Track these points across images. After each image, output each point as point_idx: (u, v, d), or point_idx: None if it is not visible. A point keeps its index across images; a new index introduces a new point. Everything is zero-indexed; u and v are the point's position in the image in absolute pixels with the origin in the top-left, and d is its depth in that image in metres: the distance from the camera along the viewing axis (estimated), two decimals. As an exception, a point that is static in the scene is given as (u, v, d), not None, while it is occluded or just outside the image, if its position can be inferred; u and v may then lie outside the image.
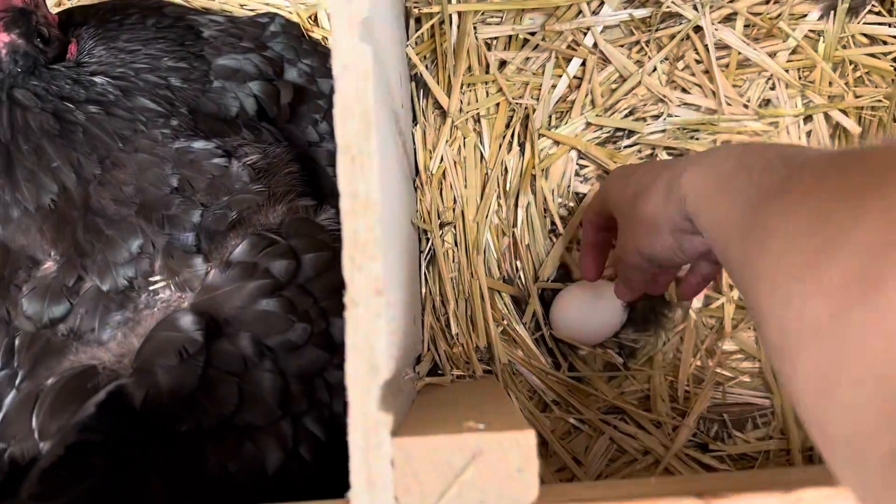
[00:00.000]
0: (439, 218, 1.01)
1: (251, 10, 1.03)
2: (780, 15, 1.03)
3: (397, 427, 0.48)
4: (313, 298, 0.75)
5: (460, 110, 1.04)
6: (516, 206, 1.05)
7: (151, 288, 0.76)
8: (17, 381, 0.74)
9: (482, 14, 1.05)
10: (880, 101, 1.00)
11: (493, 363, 0.98)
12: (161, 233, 0.76)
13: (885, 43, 1.01)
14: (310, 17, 1.02)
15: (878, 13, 1.02)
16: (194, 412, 0.65)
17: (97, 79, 0.81)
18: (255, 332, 0.70)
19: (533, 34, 1.05)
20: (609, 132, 1.07)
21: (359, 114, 0.47)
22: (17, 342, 0.76)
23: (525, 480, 0.46)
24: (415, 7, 1.04)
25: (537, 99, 1.05)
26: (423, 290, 0.98)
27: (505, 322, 1.02)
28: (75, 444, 0.58)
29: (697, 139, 1.06)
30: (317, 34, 1.02)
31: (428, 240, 1.00)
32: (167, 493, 0.60)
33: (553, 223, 1.05)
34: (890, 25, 1.00)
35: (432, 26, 1.04)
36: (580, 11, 1.05)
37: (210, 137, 0.82)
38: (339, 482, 0.47)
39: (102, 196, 0.77)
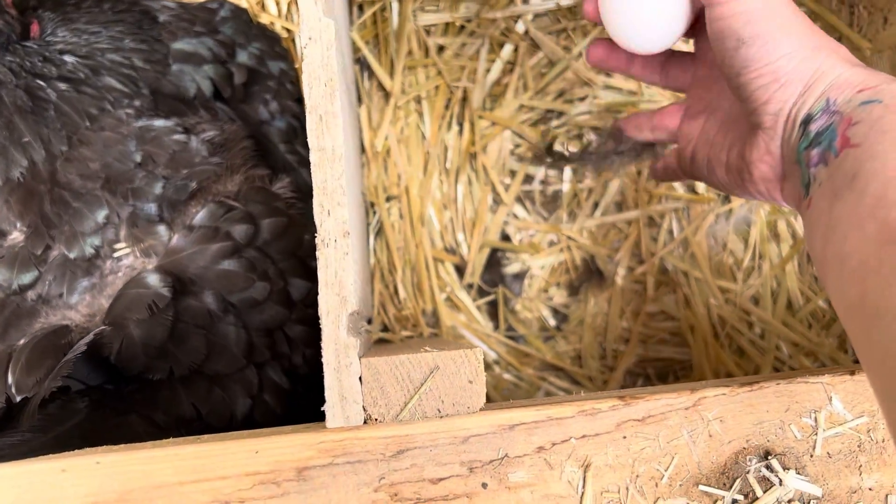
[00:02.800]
0: (385, 192, 1.08)
1: (200, -4, 1.07)
2: (690, 6, 1.13)
3: (364, 352, 0.55)
4: (271, 260, 0.81)
5: (402, 92, 1.11)
6: (457, 181, 1.13)
7: (116, 255, 0.81)
8: (-12, 345, 0.78)
9: (421, 2, 1.13)
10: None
11: (439, 326, 1.06)
12: (125, 204, 0.81)
13: (781, 31, 1.13)
14: (257, 2, 1.07)
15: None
16: (166, 361, 0.70)
17: (67, 57, 0.85)
18: (219, 289, 0.76)
19: (469, 21, 1.13)
20: (540, 113, 1.16)
21: (324, 79, 0.54)
22: (-16, 316, 0.79)
23: (475, 390, 0.53)
24: (358, -5, 1.11)
25: (474, 82, 1.13)
26: (372, 261, 1.05)
27: (448, 289, 1.10)
28: (59, 389, 0.62)
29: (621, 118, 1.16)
30: (264, 19, 1.07)
31: (375, 213, 1.07)
32: (147, 429, 0.65)
33: (496, 193, 1.13)
34: None
35: (374, 13, 1.10)
36: (512, 0, 1.14)
37: (170, 116, 0.87)
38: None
39: (69, 171, 0.81)
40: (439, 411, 0.53)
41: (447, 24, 1.14)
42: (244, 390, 0.74)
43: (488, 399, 1.06)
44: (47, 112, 0.82)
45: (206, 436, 0.54)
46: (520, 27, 1.13)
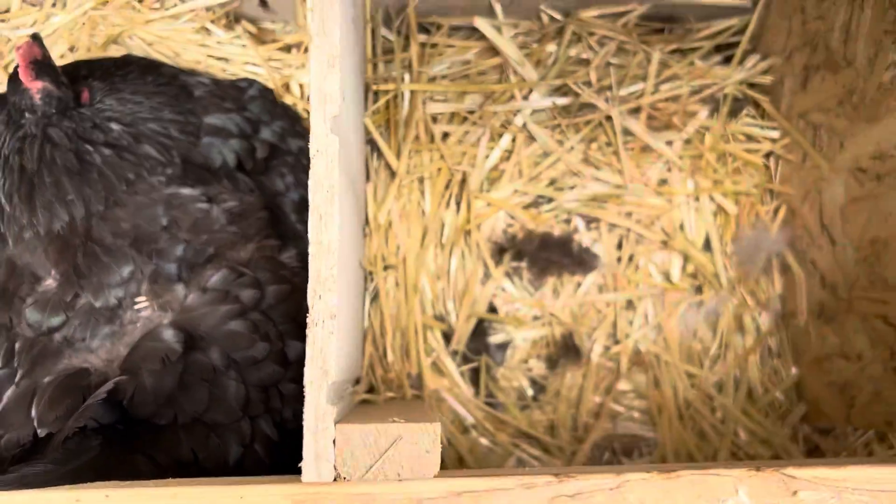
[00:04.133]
0: (384, 262, 1.19)
1: (232, 73, 1.20)
2: (676, 111, 1.25)
3: (340, 419, 0.65)
4: (273, 322, 0.90)
5: (407, 172, 1.22)
6: (451, 255, 1.23)
7: (136, 307, 0.91)
8: (17, 379, 0.88)
9: (430, 93, 1.25)
10: (753, 188, 1.23)
11: (423, 389, 1.15)
12: (149, 262, 0.91)
13: (758, 142, 1.24)
14: (283, 84, 1.20)
15: (754, 117, 1.25)
16: (172, 409, 0.80)
17: (113, 125, 0.97)
18: (225, 347, 0.86)
19: (472, 112, 1.25)
20: (533, 198, 1.27)
21: (326, 186, 0.65)
22: (17, 346, 0.89)
23: (431, 459, 0.62)
24: (374, 83, 1.23)
25: (473, 166, 1.25)
26: (366, 324, 1.15)
27: (435, 354, 1.20)
28: (81, 428, 0.72)
29: (606, 208, 1.27)
30: (288, 100, 1.19)
31: (373, 280, 1.17)
32: (150, 469, 0.74)
33: (486, 267, 1.23)
34: (762, 127, 1.23)
35: (388, 101, 1.22)
36: (513, 96, 1.26)
37: (196, 185, 0.98)
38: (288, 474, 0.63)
39: (103, 228, 0.92)
40: (399, 475, 0.62)
41: (452, 114, 1.26)
42: (238, 439, 0.83)
43: (462, 461, 1.15)
44: (91, 174, 0.94)
45: (202, 479, 0.63)
46: (518, 121, 1.25)
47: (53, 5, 1.16)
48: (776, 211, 1.20)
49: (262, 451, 0.85)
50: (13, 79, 0.95)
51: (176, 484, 0.63)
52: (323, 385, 0.62)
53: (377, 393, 1.10)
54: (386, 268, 1.18)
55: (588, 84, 1.25)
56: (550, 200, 1.27)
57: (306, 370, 0.63)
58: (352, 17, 0.85)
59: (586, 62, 1.26)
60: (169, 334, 0.84)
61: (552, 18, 1.26)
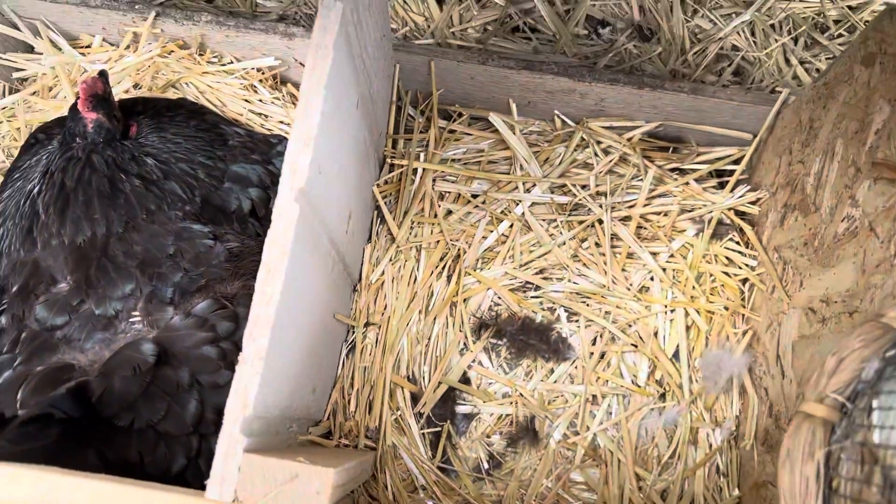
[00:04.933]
0: (367, 318, 1.29)
1: (268, 129, 1.34)
2: (664, 226, 1.32)
3: (254, 449, 0.74)
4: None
5: (407, 240, 1.33)
6: (435, 322, 1.32)
7: (130, 320, 1.03)
8: (15, 364, 1.00)
9: (441, 173, 1.36)
10: (725, 308, 1.28)
11: (379, 443, 1.23)
12: (149, 284, 1.04)
13: (737, 266, 1.29)
14: (310, 145, 1.33)
15: (737, 242, 1.31)
16: (131, 413, 0.91)
17: (148, 159, 1.11)
18: (193, 368, 0.96)
19: (477, 196, 1.35)
20: (521, 283, 1.35)
21: (279, 245, 0.76)
22: (23, 336, 1.03)
23: (320, 500, 0.71)
24: (391, 156, 1.35)
25: (470, 245, 1.34)
26: (339, 372, 1.24)
27: (399, 412, 1.27)
28: (43, 414, 0.83)
29: (588, 305, 1.33)
30: (312, 159, 1.32)
31: (353, 334, 1.27)
32: (97, 465, 0.85)
33: (466, 339, 1.32)
34: (743, 254, 1.29)
35: (401, 173, 1.34)
36: (517, 187, 1.35)
37: (207, 223, 1.11)
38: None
39: (117, 248, 1.06)
40: (288, 508, 0.70)
41: (459, 195, 1.36)
42: (184, 452, 0.93)
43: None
44: (119, 199, 1.08)
45: (123, 479, 0.73)
46: (518, 210, 1.34)
47: (127, 48, 1.33)
48: (744, 334, 1.25)
49: (205, 467, 0.94)
50: (74, 107, 1.11)
51: (105, 480, 0.73)
52: (239, 417, 0.72)
53: (332, 438, 1.19)
54: (367, 324, 1.28)
55: (586, 187, 1.34)
56: (537, 288, 1.34)
57: (228, 401, 0.72)
58: (354, 102, 0.97)
59: (589, 167, 1.35)
60: (147, 347, 0.95)
61: (564, 123, 1.36)
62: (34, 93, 1.34)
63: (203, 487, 0.86)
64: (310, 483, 0.70)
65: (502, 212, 1.35)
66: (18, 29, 1.33)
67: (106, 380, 0.91)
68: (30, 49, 1.37)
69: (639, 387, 1.30)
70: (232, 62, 1.35)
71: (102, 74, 1.13)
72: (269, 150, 1.27)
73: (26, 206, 1.10)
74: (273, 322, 0.74)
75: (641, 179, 1.34)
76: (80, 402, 0.89)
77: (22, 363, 1.00)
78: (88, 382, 0.89)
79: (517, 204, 1.35)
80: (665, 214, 1.33)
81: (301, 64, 1.33)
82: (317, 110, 0.78)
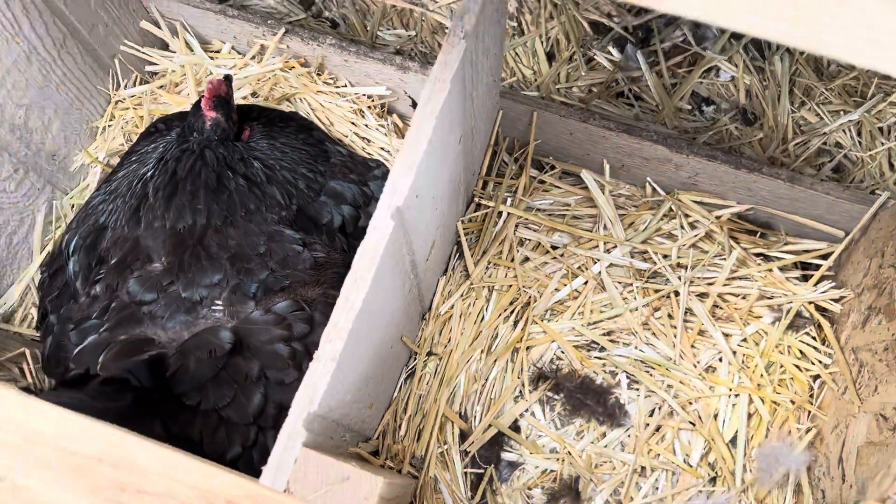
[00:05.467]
0: (431, 348, 1.31)
1: (368, 153, 1.40)
2: (741, 309, 1.30)
3: (311, 445, 0.76)
4: (310, 358, 1.04)
5: (481, 279, 1.35)
6: (494, 364, 1.33)
7: (212, 308, 1.09)
8: (101, 329, 1.07)
9: (524, 219, 1.39)
10: (791, 402, 1.25)
11: (421, 472, 1.24)
12: (236, 277, 1.09)
13: (810, 362, 1.26)
14: (405, 173, 1.38)
15: (813, 338, 1.28)
16: (199, 394, 0.95)
17: (256, 163, 1.18)
18: (263, 362, 1.00)
19: (556, 248, 1.37)
20: (587, 341, 1.35)
21: (369, 256, 0.79)
22: (112, 305, 1.09)
23: (365, 505, 0.73)
24: (479, 196, 1.38)
25: (541, 294, 1.35)
26: (395, 394, 1.27)
27: (446, 446, 1.28)
28: (120, 378, 0.89)
29: (651, 375, 1.32)
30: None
31: (414, 360, 1.29)
32: (162, 436, 0.89)
33: (522, 387, 1.32)
34: (818, 350, 1.26)
35: (485, 214, 1.37)
36: (597, 246, 1.37)
37: (299, 231, 1.17)
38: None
39: (213, 239, 1.12)
40: (335, 507, 0.72)
41: (539, 244, 1.38)
42: (241, 440, 0.96)
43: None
44: (223, 195, 1.15)
45: (190, 453, 0.77)
46: (595, 269, 1.35)
47: (252, 58, 1.42)
48: (807, 431, 1.21)
49: (257, 457, 0.98)
50: (197, 104, 1.19)
51: (171, 450, 0.76)
52: (304, 411, 0.75)
53: (378, 458, 1.20)
54: (429, 353, 1.30)
55: (668, 258, 1.34)
56: (602, 349, 1.34)
57: (297, 395, 0.76)
58: (458, 138, 1.01)
59: (673, 238, 1.36)
60: (224, 335, 1.00)
61: (654, 191, 1.37)
62: (162, 86, 1.44)
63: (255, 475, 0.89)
64: (359, 487, 0.72)
65: (579, 267, 1.37)
66: (159, 27, 1.44)
67: (182, 357, 0.96)
68: (164, 46, 1.48)
69: (690, 466, 1.27)
70: (346, 85, 1.42)
71: (227, 78, 1.21)
72: (366, 172, 1.33)
73: (137, 186, 1.18)
74: (351, 328, 0.78)
75: (724, 258, 1.33)
76: (154, 374, 0.94)
77: (107, 330, 1.07)
78: (166, 356, 0.94)
79: (595, 262, 1.36)
80: (743, 297, 1.32)
81: (410, 97, 1.39)
82: (425, 138, 0.82)
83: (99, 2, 1.29)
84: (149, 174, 1.18)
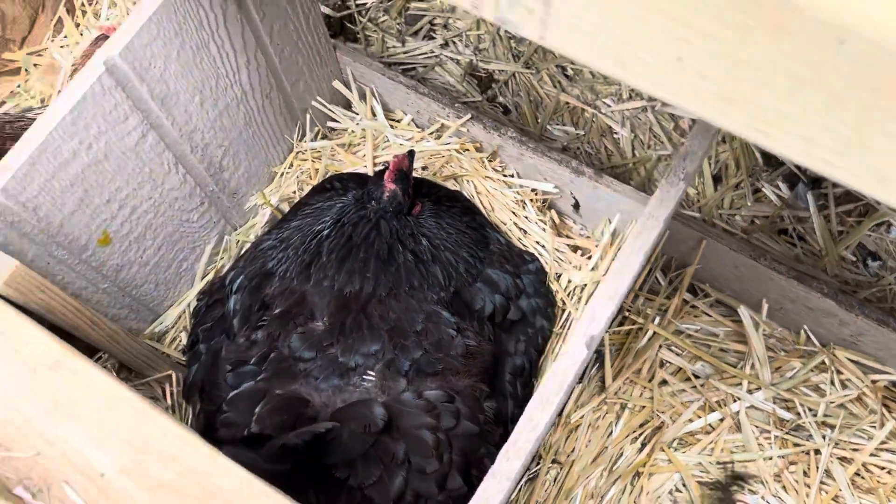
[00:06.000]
0: (556, 455, 1.29)
1: (524, 244, 1.41)
2: (886, 484, 1.24)
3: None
4: (451, 450, 1.05)
5: (615, 393, 1.33)
6: (614, 484, 1.30)
7: (364, 377, 1.11)
8: (258, 378, 1.10)
9: (669, 340, 1.37)
10: None
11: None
12: (392, 351, 1.11)
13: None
14: (556, 274, 1.39)
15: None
16: (348, 469, 0.96)
17: (423, 240, 1.21)
18: (409, 447, 1.01)
19: (697, 377, 1.34)
20: (712, 479, 1.31)
21: (558, 381, 0.80)
22: (271, 355, 1.12)
23: None
24: (627, 310, 1.37)
25: (674, 422, 1.32)
26: (514, 495, 1.25)
27: (553, 558, 1.26)
28: (286, 445, 0.91)
29: (775, 529, 1.27)
30: (554, 286, 1.37)
31: (538, 463, 1.28)
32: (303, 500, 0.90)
33: (633, 514, 1.29)
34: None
35: (631, 329, 1.36)
36: (740, 384, 1.33)
37: (454, 314, 1.18)
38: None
39: (375, 309, 1.15)
40: None
41: (680, 369, 1.36)
42: (379, 522, 0.97)
43: None
44: (391, 267, 1.18)
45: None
46: (734, 407, 1.32)
47: (431, 134, 1.47)
48: None
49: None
50: (379, 173, 1.24)
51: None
52: (475, 523, 0.75)
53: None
54: (554, 461, 1.28)
55: (814, 412, 1.29)
56: (726, 488, 1.30)
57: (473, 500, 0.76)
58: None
59: (821, 392, 1.31)
60: (379, 411, 1.01)
61: (809, 340, 1.33)
62: (340, 144, 1.50)
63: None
64: None
65: (717, 402, 1.33)
66: (349, 89, 1.51)
67: (337, 429, 0.98)
68: (347, 105, 1.55)
69: None
70: (513, 175, 1.45)
71: (411, 154, 1.25)
72: (521, 264, 1.34)
73: (312, 243, 1.22)
74: (531, 449, 0.78)
75: (875, 426, 1.27)
76: (312, 441, 0.96)
77: (264, 380, 1.10)
78: (327, 431, 0.95)
79: (735, 400, 1.33)
80: (890, 472, 1.25)
81: (574, 197, 1.41)
82: (631, 274, 0.83)
83: (305, 60, 1.37)
84: (325, 233, 1.22)
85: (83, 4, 1.66)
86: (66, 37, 1.65)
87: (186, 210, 1.27)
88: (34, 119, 1.33)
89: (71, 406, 0.81)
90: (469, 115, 1.40)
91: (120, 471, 0.78)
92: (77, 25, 1.66)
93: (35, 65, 1.62)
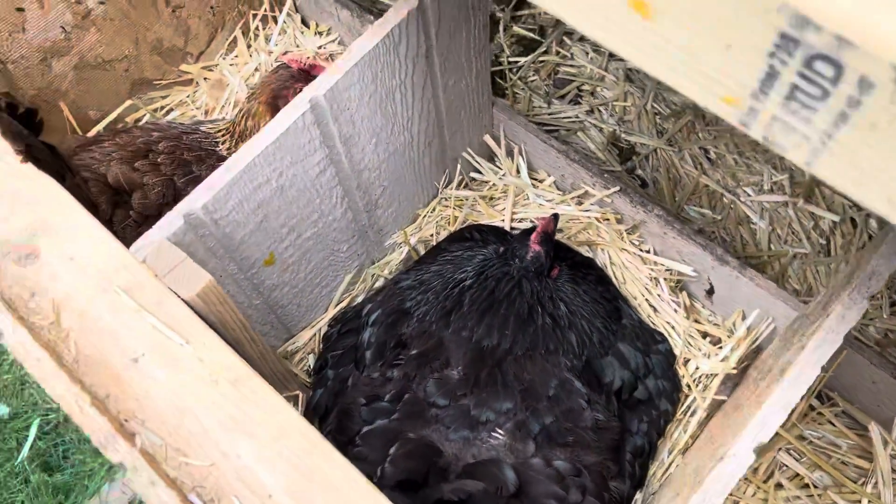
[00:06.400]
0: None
1: (653, 323, 1.42)
2: None
3: None
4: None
5: (729, 489, 1.31)
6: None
7: (493, 433, 1.12)
8: (390, 417, 1.13)
9: (790, 444, 1.34)
10: None
11: None
12: (524, 412, 1.13)
13: None
14: (684, 359, 1.38)
15: None
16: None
17: (561, 305, 1.23)
18: (534, 516, 1.02)
19: (816, 486, 1.31)
20: None
21: (723, 483, 0.80)
22: (406, 396, 1.16)
23: None
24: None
25: (785, 528, 1.29)
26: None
27: None
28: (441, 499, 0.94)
29: None
30: (681, 370, 1.37)
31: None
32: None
33: None
34: None
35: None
36: (859, 501, 1.29)
37: (584, 385, 1.19)
38: None
39: (510, 366, 1.17)
40: None
41: (796, 475, 1.33)
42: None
43: None
44: (530, 327, 1.20)
45: None
46: (851, 525, 1.28)
47: (572, 198, 1.49)
48: None
49: None
50: (526, 232, 1.27)
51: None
52: None
53: None
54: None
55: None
56: None
57: None
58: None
59: (949, 527, 1.26)
60: (510, 475, 1.03)
61: (941, 470, 1.29)
62: (482, 196, 1.54)
63: None
64: None
65: (831, 514, 1.30)
66: (498, 144, 1.55)
67: (469, 486, 1.00)
68: (491, 158, 1.59)
69: None
70: (650, 251, 1.46)
71: (556, 218, 1.28)
72: (651, 343, 1.34)
73: (454, 291, 1.25)
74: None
75: None
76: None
77: (397, 420, 1.13)
78: (471, 487, 0.97)
79: (852, 518, 1.29)
80: None
81: (710, 283, 1.41)
82: (806, 385, 0.83)
83: (467, 114, 1.42)
84: (467, 283, 1.25)
85: (257, 28, 1.77)
86: (236, 56, 1.75)
87: (339, 241, 1.33)
88: (207, 132, 1.42)
89: (247, 423, 0.85)
90: (617, 188, 1.42)
91: (286, 494, 0.81)
92: (248, 46, 1.76)
93: (205, 79, 1.72)
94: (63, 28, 1.41)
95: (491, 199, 1.57)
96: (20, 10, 1.32)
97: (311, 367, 1.42)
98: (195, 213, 0.98)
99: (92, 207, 1.15)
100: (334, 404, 1.26)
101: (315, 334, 1.43)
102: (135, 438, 0.84)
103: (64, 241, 0.95)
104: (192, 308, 0.93)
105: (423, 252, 1.49)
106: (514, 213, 1.53)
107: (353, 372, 1.28)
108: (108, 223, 1.25)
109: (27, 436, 2.05)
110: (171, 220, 0.96)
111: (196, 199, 0.97)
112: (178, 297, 0.91)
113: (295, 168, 1.09)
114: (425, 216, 1.52)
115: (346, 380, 1.27)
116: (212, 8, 1.65)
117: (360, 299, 1.47)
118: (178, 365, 0.87)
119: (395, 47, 1.10)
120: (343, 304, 1.46)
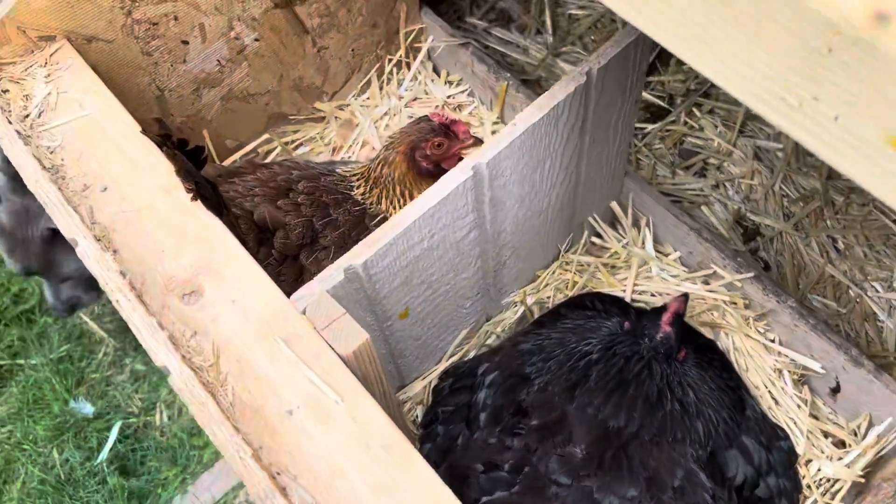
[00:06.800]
0: None
1: (774, 416, 1.37)
2: None
3: None
4: None
5: None
6: None
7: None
8: (511, 490, 1.12)
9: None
10: None
11: None
12: (648, 501, 1.10)
13: None
14: (805, 459, 1.33)
15: None
16: None
17: (689, 391, 1.20)
18: None
19: None
20: None
21: None
22: (526, 469, 1.13)
23: None
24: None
25: None
26: None
27: None
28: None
29: None
30: (801, 470, 1.31)
31: None
32: None
33: None
34: None
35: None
36: None
37: (709, 478, 1.16)
38: None
39: (637, 452, 1.14)
40: None
41: None
42: None
43: None
44: (658, 412, 1.17)
45: None
46: None
47: (699, 277, 1.46)
48: None
49: None
50: (657, 310, 1.24)
51: None
52: None
53: None
54: None
55: None
56: None
57: None
58: None
59: None
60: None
61: None
62: (604, 264, 1.53)
63: None
64: None
65: None
66: (625, 213, 1.54)
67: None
68: (614, 224, 1.58)
69: None
70: (775, 340, 1.42)
71: (685, 297, 1.25)
72: (774, 440, 1.29)
73: (580, 363, 1.23)
74: None
75: None
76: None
77: (517, 493, 1.11)
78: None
79: None
80: None
81: (837, 382, 1.36)
82: None
83: (601, 181, 1.41)
84: (593, 357, 1.23)
85: (391, 73, 1.80)
86: (368, 97, 1.79)
87: (465, 297, 1.33)
88: (343, 175, 1.44)
89: (395, 490, 0.84)
90: (752, 274, 1.39)
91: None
92: (380, 89, 1.79)
93: (336, 117, 1.76)
94: (219, 61, 1.46)
95: (612, 267, 1.55)
96: (185, 42, 1.38)
97: (419, 418, 1.41)
98: (355, 269, 0.99)
99: (243, 244, 1.18)
100: (443, 461, 1.25)
101: (426, 386, 1.43)
102: (286, 492, 0.84)
103: (227, 283, 0.97)
104: (346, 364, 0.94)
105: (537, 313, 1.48)
106: (635, 284, 1.51)
107: (463, 430, 1.27)
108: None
109: (108, 437, 2.11)
110: (333, 274, 0.97)
111: (359, 255, 0.98)
112: (335, 351, 0.92)
113: (446, 231, 1.10)
114: (545, 278, 1.51)
115: (456, 438, 1.26)
116: (353, 51, 1.69)
117: (471, 354, 1.47)
118: (331, 422, 0.88)
119: (557, 120, 1.10)
120: (455, 358, 1.45)
